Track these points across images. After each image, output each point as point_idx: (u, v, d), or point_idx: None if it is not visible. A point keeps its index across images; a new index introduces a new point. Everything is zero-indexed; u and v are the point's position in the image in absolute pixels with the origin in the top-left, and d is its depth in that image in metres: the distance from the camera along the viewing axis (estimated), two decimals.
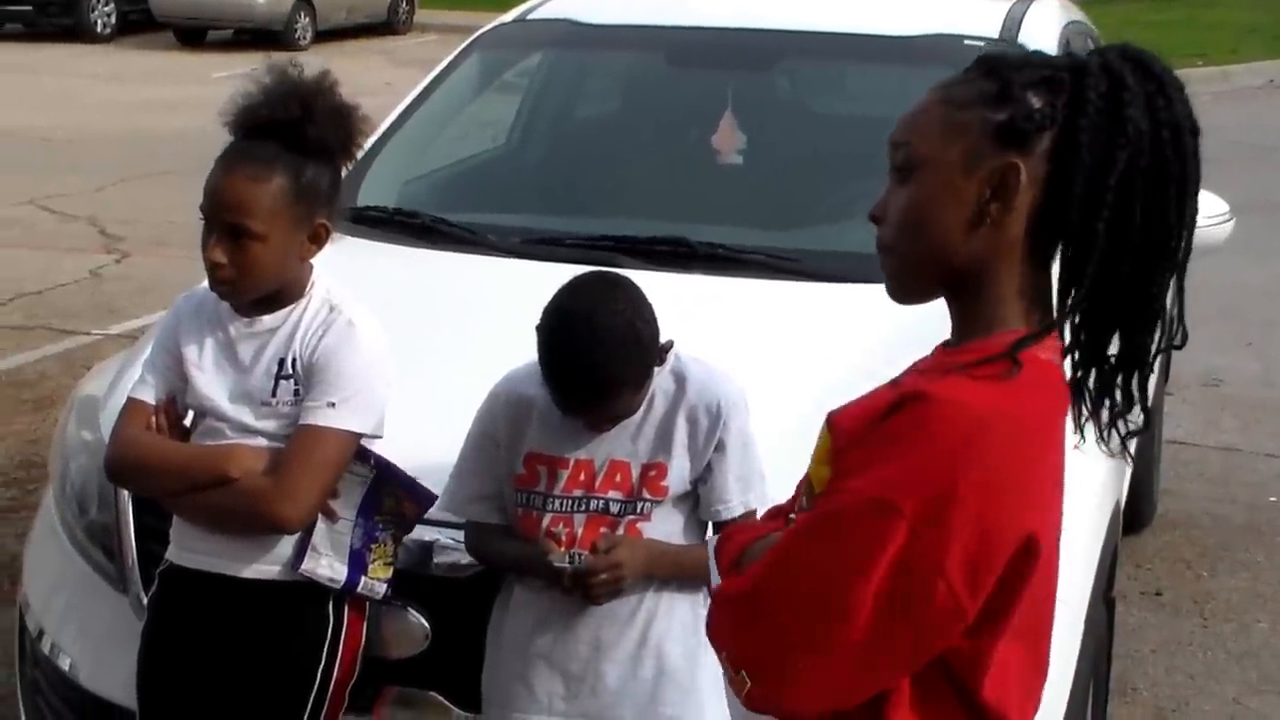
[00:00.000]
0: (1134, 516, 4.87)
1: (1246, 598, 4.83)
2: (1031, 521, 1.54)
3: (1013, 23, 4.22)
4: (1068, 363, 1.67)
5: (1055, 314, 1.64)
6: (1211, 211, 3.92)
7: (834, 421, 1.67)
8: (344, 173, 2.63)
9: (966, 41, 3.96)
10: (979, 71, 1.66)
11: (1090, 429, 1.70)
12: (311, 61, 2.59)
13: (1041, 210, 1.61)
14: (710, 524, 2.52)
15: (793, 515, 1.78)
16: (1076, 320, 1.64)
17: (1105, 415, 1.68)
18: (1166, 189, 1.59)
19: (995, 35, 4.06)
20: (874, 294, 3.37)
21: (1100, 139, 1.57)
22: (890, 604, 1.50)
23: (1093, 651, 2.92)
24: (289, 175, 2.44)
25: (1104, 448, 1.71)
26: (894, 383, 1.66)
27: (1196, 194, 1.62)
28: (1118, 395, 1.67)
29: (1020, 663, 1.61)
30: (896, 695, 1.58)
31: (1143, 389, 1.68)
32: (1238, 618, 4.69)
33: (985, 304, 1.64)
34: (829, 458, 1.65)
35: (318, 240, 2.51)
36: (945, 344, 1.70)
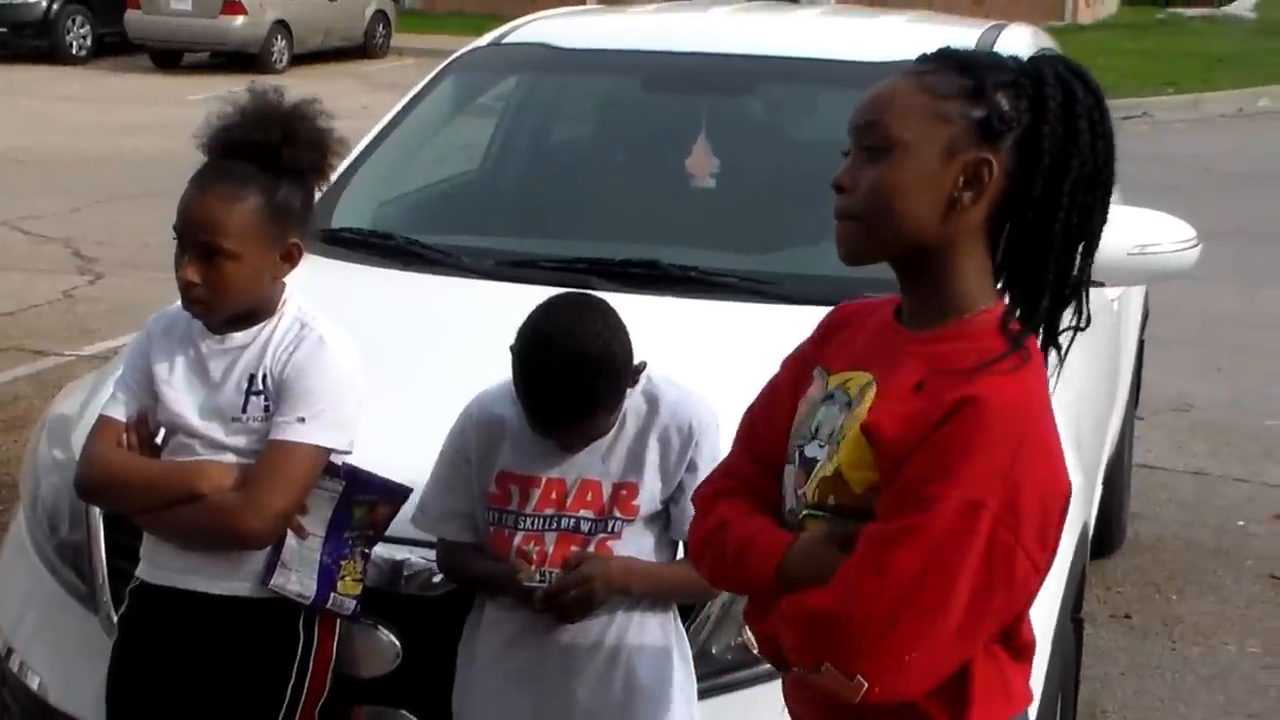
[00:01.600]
0: (1104, 539, 4.90)
1: (1215, 621, 4.86)
2: (1066, 480, 1.79)
3: (985, 49, 4.25)
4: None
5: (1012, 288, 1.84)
6: (1179, 237, 3.95)
7: (873, 431, 1.77)
8: (318, 193, 2.64)
9: None
10: (949, 64, 1.80)
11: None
12: (288, 85, 2.60)
13: (1001, 201, 1.78)
14: (680, 544, 2.53)
15: (815, 512, 1.83)
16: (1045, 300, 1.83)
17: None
18: (1096, 189, 1.80)
19: None
20: None
21: (1059, 146, 1.76)
22: (985, 585, 1.69)
23: (1060, 672, 2.94)
24: (263, 195, 2.45)
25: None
26: (918, 386, 1.76)
27: (1110, 196, 1.83)
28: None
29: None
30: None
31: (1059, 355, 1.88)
32: (1206, 641, 4.71)
33: (953, 282, 1.81)
34: (871, 463, 1.77)
35: (290, 259, 2.52)
36: (898, 314, 1.86)
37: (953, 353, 1.76)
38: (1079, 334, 1.88)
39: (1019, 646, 1.87)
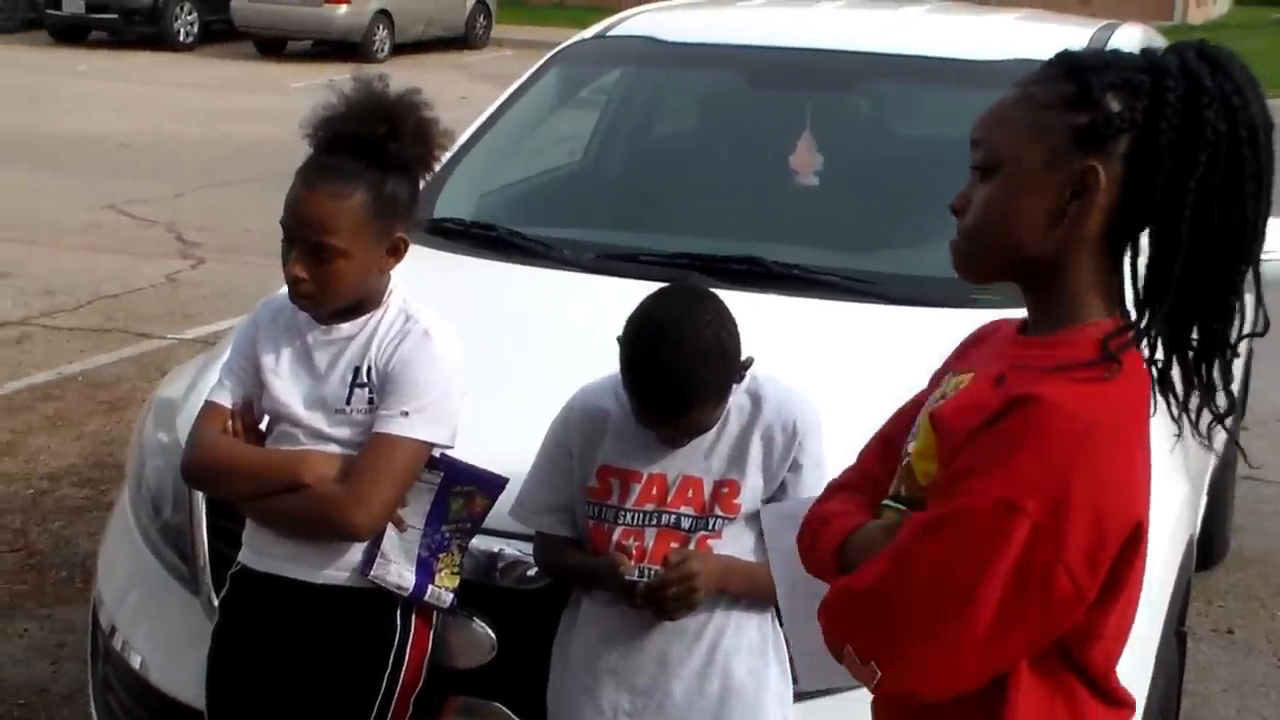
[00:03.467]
0: (1206, 552, 4.80)
1: None
2: (1139, 509, 1.67)
3: (1097, 48, 4.18)
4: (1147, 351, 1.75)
5: (1133, 304, 1.72)
6: None
7: (939, 419, 1.75)
8: (421, 185, 2.64)
9: None
10: (1058, 71, 1.72)
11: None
12: (388, 74, 2.59)
13: (1119, 207, 1.69)
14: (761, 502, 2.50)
15: (891, 503, 1.83)
16: (1166, 314, 1.70)
17: (1193, 403, 1.75)
18: (1243, 186, 1.66)
19: None
20: (950, 319, 3.38)
21: (1179, 142, 1.64)
22: (1016, 596, 1.59)
23: (1163, 686, 2.87)
24: (370, 192, 2.44)
25: (1196, 435, 1.78)
26: (998, 379, 1.71)
27: (1271, 187, 1.68)
28: (1202, 382, 1.73)
29: (1118, 625, 1.73)
30: (1015, 670, 1.68)
31: (1225, 374, 1.74)
32: None
33: (1065, 296, 1.73)
34: (935, 452, 1.73)
35: (396, 253, 2.52)
36: (1023, 329, 1.80)
37: (1040, 356, 1.70)
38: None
39: (1107, 691, 1.75)
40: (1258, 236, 1.69)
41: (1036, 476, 1.59)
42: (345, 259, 2.43)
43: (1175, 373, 1.74)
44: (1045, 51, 4.41)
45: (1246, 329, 1.74)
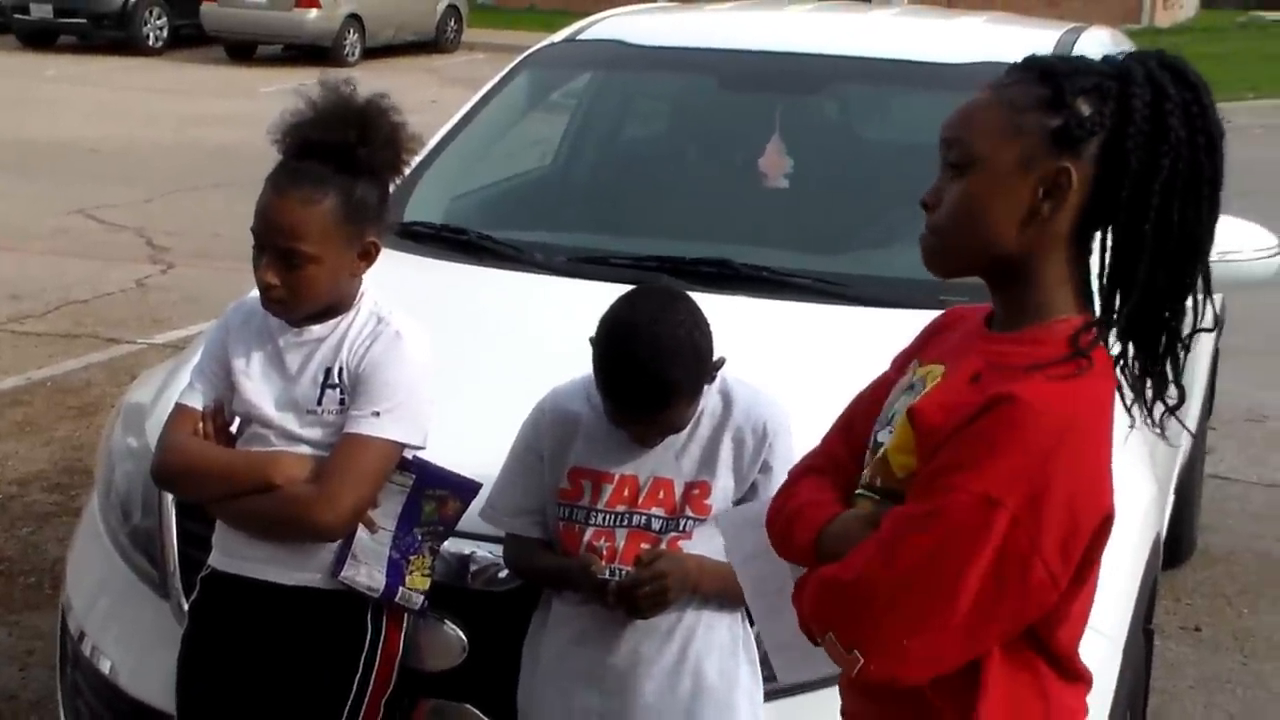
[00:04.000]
0: (1173, 551, 4.83)
1: None
2: (1107, 500, 1.75)
3: (1064, 52, 4.21)
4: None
5: (1101, 298, 1.79)
6: (1260, 245, 3.89)
7: (918, 416, 1.79)
8: (391, 188, 2.64)
9: None
10: (1030, 74, 1.78)
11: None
12: (359, 78, 2.60)
13: (1088, 207, 1.76)
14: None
15: (865, 492, 1.88)
16: (1128, 311, 1.78)
17: (1148, 395, 1.82)
18: (1200, 189, 1.74)
19: None
20: (918, 320, 3.39)
21: (1145, 146, 1.72)
22: (995, 585, 1.67)
23: (1130, 683, 2.90)
24: (340, 197, 2.45)
25: (1149, 425, 1.85)
26: (974, 377, 1.77)
27: (1220, 191, 1.77)
28: (1158, 374, 1.81)
29: (1082, 608, 1.83)
30: (988, 653, 1.76)
31: (1176, 370, 1.82)
32: (1278, 656, 4.64)
33: (1034, 292, 1.79)
34: (913, 448, 1.79)
35: (368, 257, 2.52)
36: (989, 320, 1.86)
37: (1015, 354, 1.75)
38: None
39: (1070, 670, 1.85)
40: (1209, 237, 1.78)
41: (1016, 473, 1.66)
42: (316, 264, 2.44)
43: (1132, 367, 1.82)
44: (1013, 54, 4.43)
45: (1197, 325, 1.82)
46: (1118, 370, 1.80)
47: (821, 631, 1.78)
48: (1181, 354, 1.82)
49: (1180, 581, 5.08)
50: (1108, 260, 1.79)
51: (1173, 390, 1.83)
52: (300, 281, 2.44)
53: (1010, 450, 1.67)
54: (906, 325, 3.27)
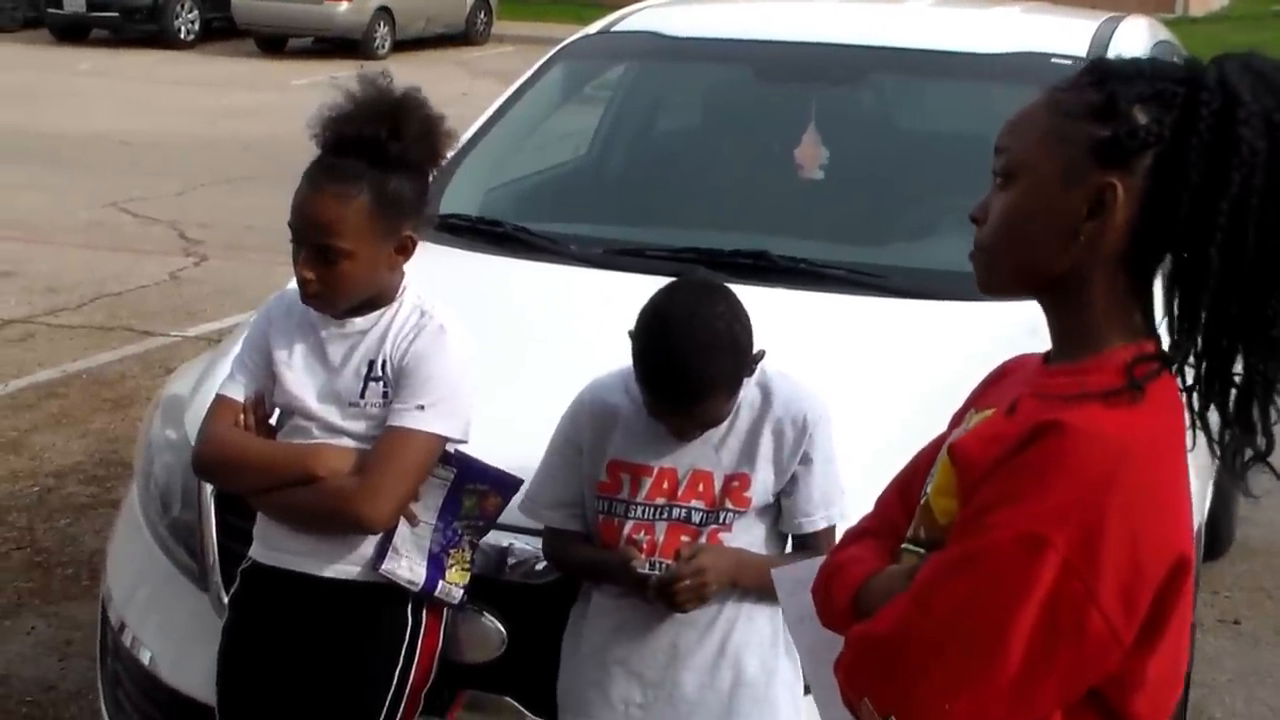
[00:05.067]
0: (1212, 543, 4.80)
1: None
2: (1180, 541, 1.54)
3: (1100, 41, 4.19)
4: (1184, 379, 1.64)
5: (1169, 331, 1.61)
6: None
7: (958, 452, 1.64)
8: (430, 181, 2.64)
9: (1053, 60, 3.93)
10: (1088, 79, 1.62)
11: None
12: (390, 70, 2.59)
13: (1144, 226, 1.58)
14: (790, 537, 2.51)
15: (910, 546, 1.74)
16: (1195, 344, 1.59)
17: (1227, 441, 1.62)
18: None
19: (1083, 54, 4.01)
20: (957, 311, 3.37)
21: (1210, 159, 1.53)
22: (1046, 638, 1.48)
23: None
24: (374, 192, 2.45)
25: (1232, 477, 1.66)
26: (1010, 410, 1.62)
27: None
28: (1241, 420, 1.60)
29: (1163, 672, 1.60)
30: None
31: (1264, 416, 1.61)
32: None
33: (1085, 317, 1.62)
34: (954, 489, 1.63)
35: (404, 251, 2.52)
36: (1047, 356, 1.70)
37: (1063, 384, 1.59)
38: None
39: None
40: None
41: (1065, 508, 1.48)
42: (351, 260, 2.44)
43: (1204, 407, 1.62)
44: (1049, 44, 4.41)
45: None
46: (1193, 407, 1.60)
47: (858, 697, 1.60)
48: (1270, 398, 1.59)
49: (1219, 574, 5.04)
50: (1170, 287, 1.59)
51: (1260, 439, 1.60)
52: (336, 276, 2.45)
53: (1058, 483, 1.48)
54: (945, 317, 3.29)
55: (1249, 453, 1.62)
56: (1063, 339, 1.66)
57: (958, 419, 1.83)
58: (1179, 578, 1.53)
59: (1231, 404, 1.59)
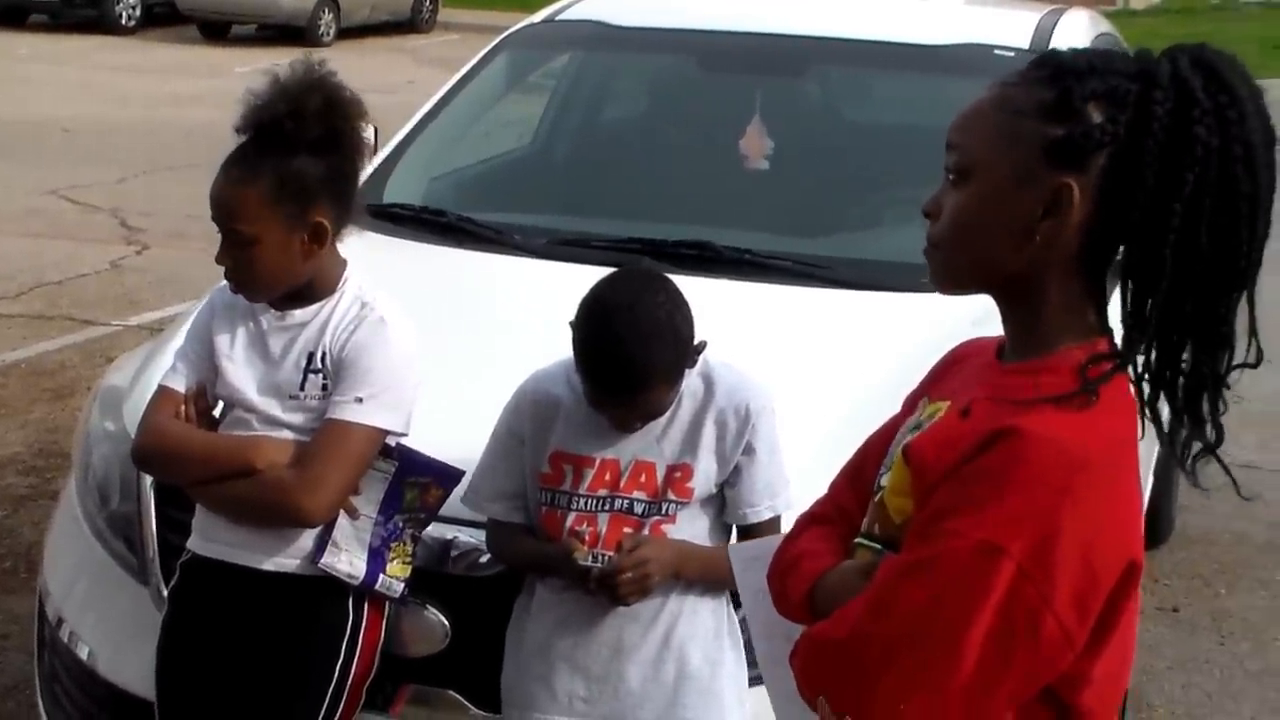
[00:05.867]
0: (1151, 531, 4.85)
1: (1265, 616, 4.80)
2: (1132, 546, 1.55)
3: (1043, 34, 4.21)
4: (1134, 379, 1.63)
5: (1122, 328, 1.60)
6: None
7: (913, 455, 1.64)
8: (365, 167, 2.59)
9: (996, 52, 3.95)
10: (1040, 73, 1.59)
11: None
12: (333, 58, 2.57)
13: (1098, 226, 1.56)
14: (735, 528, 2.51)
15: (865, 541, 1.74)
16: (1149, 340, 1.59)
17: (1179, 435, 1.62)
18: (1237, 208, 1.52)
19: (1025, 46, 4.04)
20: (900, 302, 3.39)
21: (1164, 159, 1.51)
22: (1001, 643, 1.49)
23: None
24: (272, 175, 2.42)
25: (1184, 472, 1.65)
26: (965, 413, 1.62)
27: (1270, 207, 1.56)
28: (1192, 415, 1.60)
29: (1111, 669, 1.61)
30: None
31: (1214, 409, 1.61)
32: (1255, 636, 4.66)
33: (1039, 316, 1.62)
34: (909, 489, 1.63)
35: (319, 238, 2.47)
36: (1000, 350, 1.70)
37: (1017, 386, 1.57)
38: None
39: (1079, 717, 1.61)
40: (1253, 262, 1.56)
41: (1021, 516, 1.48)
42: (257, 244, 2.42)
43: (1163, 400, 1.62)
44: (992, 36, 4.43)
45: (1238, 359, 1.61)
46: (1143, 402, 1.60)
47: (814, 695, 1.62)
48: (1220, 391, 1.59)
49: (1158, 562, 5.10)
50: (1123, 283, 1.58)
51: (1210, 430, 1.60)
52: (245, 262, 2.44)
53: (1013, 490, 1.48)
54: (889, 308, 3.30)
55: (1197, 445, 1.62)
56: (1017, 336, 1.66)
57: (911, 403, 1.83)
58: (1130, 581, 1.55)
59: (1181, 397, 1.59)
